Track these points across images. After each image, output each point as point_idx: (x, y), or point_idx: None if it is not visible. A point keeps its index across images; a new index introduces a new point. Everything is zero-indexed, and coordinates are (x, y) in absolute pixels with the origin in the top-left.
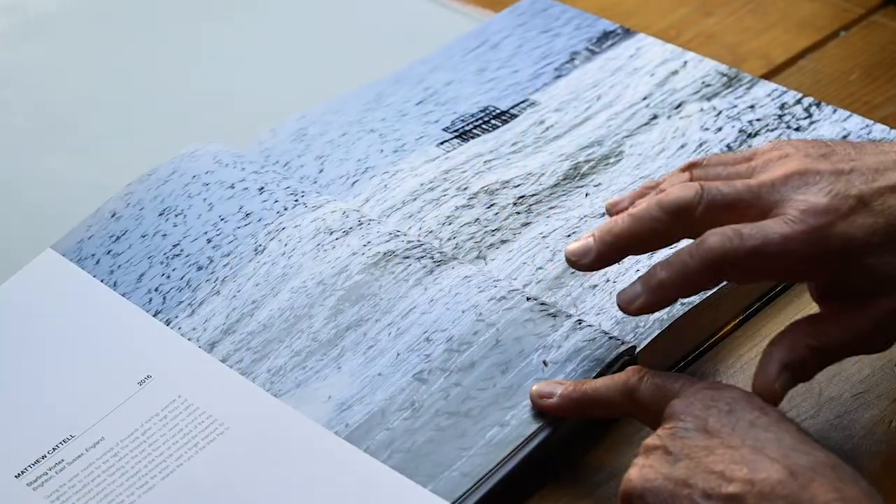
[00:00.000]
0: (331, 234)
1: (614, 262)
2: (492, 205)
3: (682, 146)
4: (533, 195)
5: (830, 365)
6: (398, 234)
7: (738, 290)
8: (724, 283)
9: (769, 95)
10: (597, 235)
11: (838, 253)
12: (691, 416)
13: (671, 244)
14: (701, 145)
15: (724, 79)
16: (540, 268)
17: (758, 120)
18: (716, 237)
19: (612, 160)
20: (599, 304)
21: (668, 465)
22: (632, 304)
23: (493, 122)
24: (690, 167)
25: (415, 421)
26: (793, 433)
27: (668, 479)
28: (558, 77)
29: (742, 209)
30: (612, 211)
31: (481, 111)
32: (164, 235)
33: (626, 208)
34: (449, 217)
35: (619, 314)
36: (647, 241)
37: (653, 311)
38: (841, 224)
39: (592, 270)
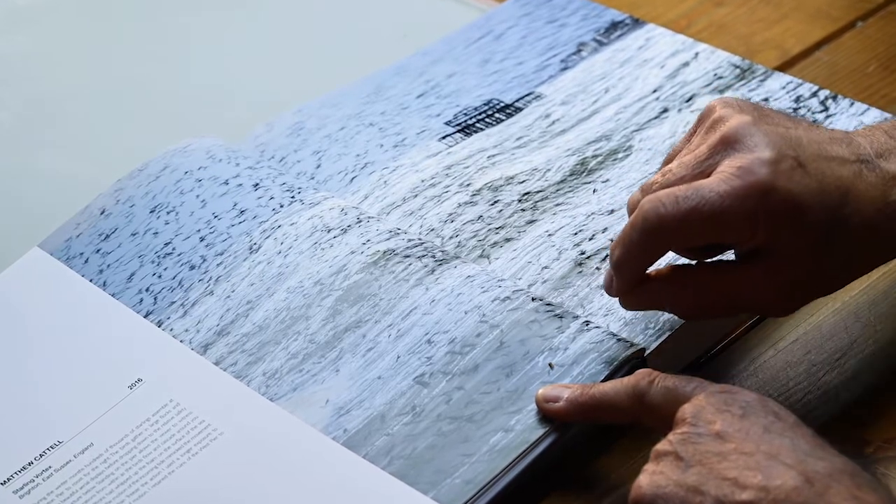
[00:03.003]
0: (328, 232)
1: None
2: (495, 202)
3: None
4: (538, 192)
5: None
6: (398, 232)
7: None
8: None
9: (784, 88)
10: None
11: (776, 210)
12: (703, 420)
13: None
14: None
15: (737, 71)
16: (546, 267)
17: None
18: (649, 203)
19: (620, 155)
20: (607, 304)
21: (679, 471)
22: (611, 289)
23: (496, 115)
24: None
25: (416, 426)
26: (809, 439)
27: (680, 486)
28: (565, 69)
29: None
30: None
31: (485, 104)
32: (156, 233)
33: None
34: (451, 214)
35: (628, 315)
36: (637, 265)
37: (630, 290)
38: (781, 180)
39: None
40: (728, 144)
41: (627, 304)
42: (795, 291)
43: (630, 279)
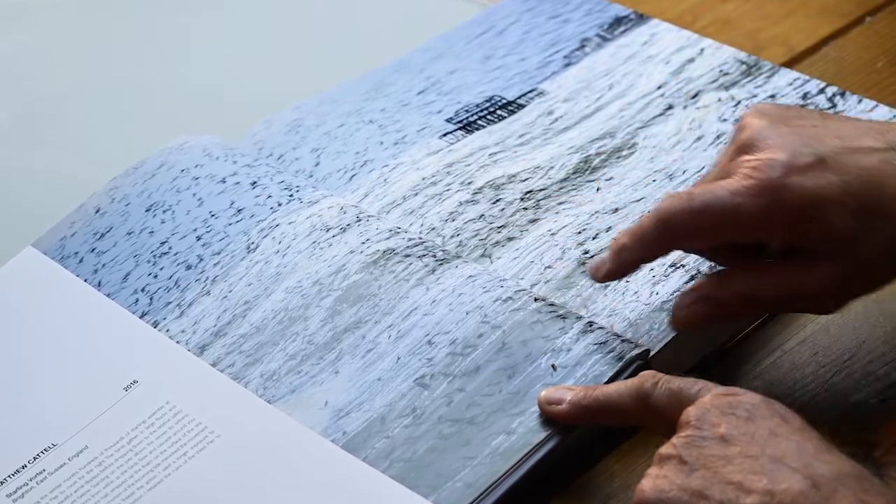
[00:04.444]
0: (327, 231)
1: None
2: (497, 200)
3: (699, 138)
4: (541, 190)
5: (763, 315)
6: (398, 231)
7: None
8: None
9: (791, 84)
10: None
11: (791, 207)
12: (708, 423)
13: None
14: (718, 137)
15: (743, 67)
16: (548, 267)
17: None
18: (667, 199)
19: (624, 153)
20: (611, 305)
21: (683, 475)
22: (599, 271)
23: (498, 112)
24: None
25: (416, 428)
26: (816, 442)
27: (684, 491)
28: (568, 65)
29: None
30: None
31: (486, 101)
32: (152, 232)
33: None
34: (452, 213)
35: (633, 315)
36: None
37: (618, 278)
38: (796, 177)
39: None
40: (744, 150)
41: (679, 319)
42: (840, 287)
43: (625, 266)
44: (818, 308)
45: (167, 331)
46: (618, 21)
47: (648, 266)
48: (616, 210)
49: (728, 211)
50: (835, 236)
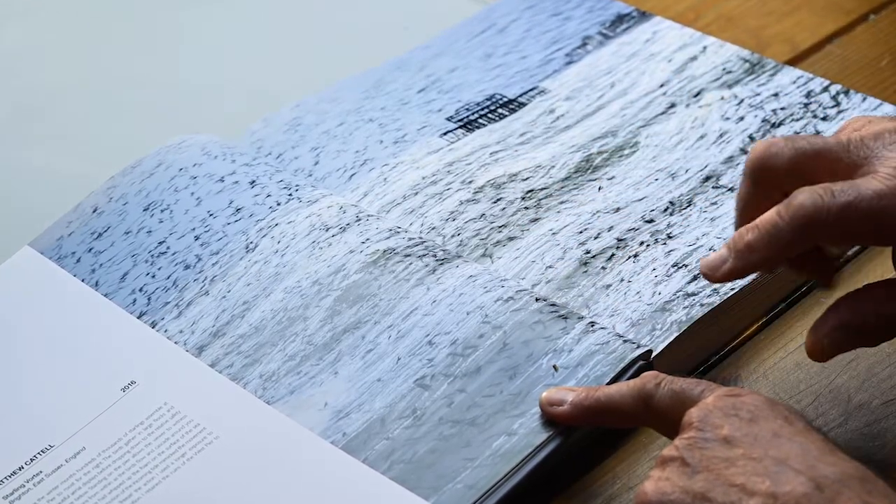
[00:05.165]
0: (327, 230)
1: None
2: (498, 199)
3: (702, 137)
4: (542, 189)
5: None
6: (399, 230)
7: (761, 290)
8: (808, 248)
9: (794, 83)
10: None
11: None
12: (711, 425)
13: (762, 210)
14: (721, 135)
15: (746, 65)
16: (550, 266)
17: (782, 109)
18: (805, 194)
19: (626, 152)
20: (613, 304)
21: (685, 477)
22: (717, 270)
23: (499, 111)
24: None
25: (416, 430)
26: (819, 443)
27: (686, 493)
28: (569, 63)
29: (830, 161)
30: None
31: (487, 99)
32: (149, 232)
33: None
34: (453, 212)
35: (635, 316)
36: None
37: (740, 277)
38: None
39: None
40: (879, 140)
41: (823, 352)
42: None
43: (751, 268)
44: None
45: (165, 331)
46: (620, 19)
47: (650, 266)
48: (618, 209)
49: (872, 212)
50: None
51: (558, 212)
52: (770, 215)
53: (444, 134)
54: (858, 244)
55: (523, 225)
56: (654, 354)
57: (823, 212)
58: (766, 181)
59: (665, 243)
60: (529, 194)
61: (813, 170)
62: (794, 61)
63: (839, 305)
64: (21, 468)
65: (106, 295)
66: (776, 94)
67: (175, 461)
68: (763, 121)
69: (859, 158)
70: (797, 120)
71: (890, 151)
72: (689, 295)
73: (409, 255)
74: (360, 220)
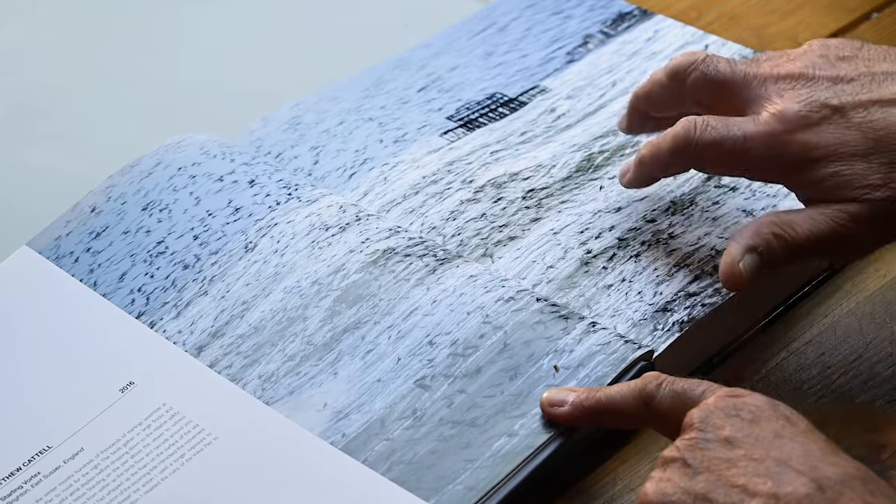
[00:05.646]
0: (326, 230)
1: (643, 130)
2: (499, 199)
3: None
4: (543, 188)
5: (800, 259)
6: (399, 230)
7: (762, 292)
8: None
9: None
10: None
11: (795, 160)
12: (712, 425)
13: (677, 107)
14: None
15: None
16: (551, 266)
17: None
18: (684, 122)
19: (628, 151)
20: (614, 305)
21: (686, 478)
22: (624, 177)
23: (500, 110)
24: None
25: (416, 430)
26: (821, 444)
27: (687, 494)
28: (570, 62)
29: (728, 92)
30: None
31: (488, 98)
32: (148, 232)
33: None
34: (453, 212)
35: (636, 316)
36: (653, 102)
37: (639, 186)
38: (805, 132)
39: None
40: (779, 83)
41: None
42: (866, 232)
43: (644, 180)
44: (844, 251)
45: (164, 331)
46: (621, 17)
47: (652, 266)
48: (619, 209)
49: (736, 152)
50: (847, 184)
51: (559, 211)
52: (659, 136)
53: (445, 133)
54: (733, 175)
55: (524, 224)
56: (655, 355)
57: (692, 144)
58: (675, 84)
59: (667, 243)
60: (530, 194)
61: (717, 95)
62: None
63: (737, 234)
64: (19, 469)
65: (104, 295)
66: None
67: (174, 462)
68: None
69: (754, 96)
70: None
71: (779, 96)
72: (690, 295)
73: (409, 255)
74: (359, 219)
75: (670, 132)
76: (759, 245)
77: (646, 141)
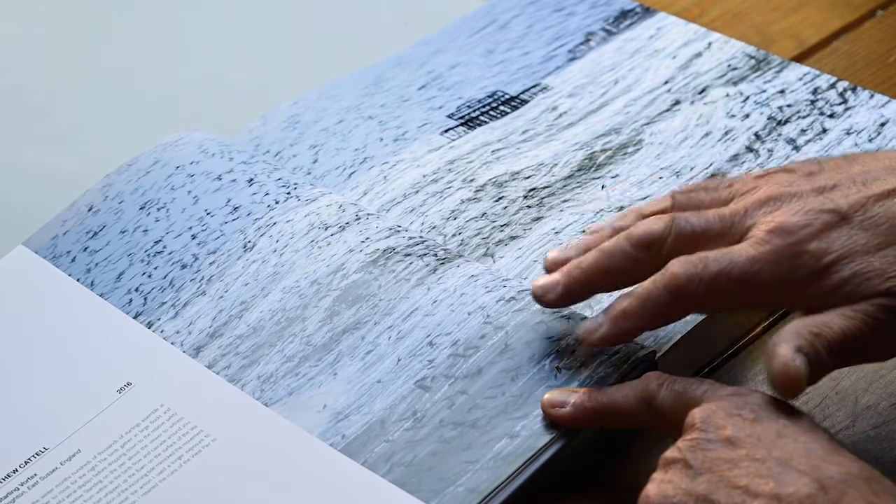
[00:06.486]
0: (326, 229)
1: (582, 299)
2: (500, 198)
3: (707, 134)
4: (545, 187)
5: (842, 367)
6: (399, 229)
7: None
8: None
9: (801, 79)
10: (564, 270)
11: (809, 270)
12: (713, 425)
13: (641, 280)
14: (727, 133)
15: (752, 61)
16: None
17: (788, 106)
18: (679, 264)
19: (630, 149)
20: None
21: (688, 479)
22: (593, 335)
23: (501, 108)
24: (673, 195)
25: (417, 432)
26: (824, 443)
27: (689, 495)
28: (572, 59)
29: (712, 238)
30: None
31: (489, 96)
32: (146, 231)
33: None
34: (454, 211)
35: None
36: (615, 277)
37: (614, 343)
38: (813, 242)
39: (558, 307)
40: (762, 207)
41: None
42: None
43: (625, 335)
44: (880, 351)
45: (162, 332)
46: (623, 14)
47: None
48: (622, 208)
49: (745, 278)
50: (866, 283)
51: (561, 210)
52: (646, 284)
53: (445, 131)
54: (731, 311)
55: (525, 224)
56: (658, 355)
57: (695, 281)
58: (648, 255)
59: None
60: (532, 193)
61: (695, 250)
62: (800, 58)
63: (780, 339)
64: (15, 471)
65: (101, 295)
66: (782, 91)
67: (172, 464)
68: (769, 118)
69: (742, 229)
70: (804, 117)
71: (770, 216)
72: None
73: (409, 255)
74: (359, 218)
75: (662, 277)
76: (803, 347)
77: (619, 294)
